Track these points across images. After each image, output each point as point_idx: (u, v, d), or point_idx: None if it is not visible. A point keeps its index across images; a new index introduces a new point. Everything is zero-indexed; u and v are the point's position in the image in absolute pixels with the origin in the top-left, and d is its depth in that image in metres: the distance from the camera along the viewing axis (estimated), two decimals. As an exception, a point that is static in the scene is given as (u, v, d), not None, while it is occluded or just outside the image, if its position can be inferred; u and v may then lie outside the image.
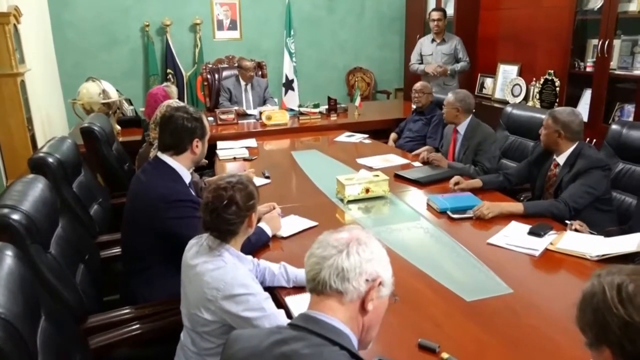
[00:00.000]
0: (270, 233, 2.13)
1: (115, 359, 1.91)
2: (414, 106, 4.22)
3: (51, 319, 1.45)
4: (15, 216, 1.68)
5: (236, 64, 5.25)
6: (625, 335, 0.86)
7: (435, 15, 5.00)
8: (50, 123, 4.37)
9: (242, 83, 4.98)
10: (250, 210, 1.58)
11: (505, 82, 5.33)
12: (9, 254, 1.40)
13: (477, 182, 2.73)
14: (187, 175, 2.05)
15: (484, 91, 5.70)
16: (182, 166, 2.02)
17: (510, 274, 1.85)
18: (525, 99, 5.02)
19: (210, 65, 5.51)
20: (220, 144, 3.76)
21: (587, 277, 1.79)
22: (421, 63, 5.11)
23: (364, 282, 1.04)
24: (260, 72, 5.55)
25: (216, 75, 5.42)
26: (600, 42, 3.98)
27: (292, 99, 6.12)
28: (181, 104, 2.62)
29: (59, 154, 2.46)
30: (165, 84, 3.59)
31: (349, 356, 0.97)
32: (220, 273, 1.47)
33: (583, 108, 4.34)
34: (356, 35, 6.75)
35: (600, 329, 0.89)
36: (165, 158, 2.02)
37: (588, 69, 4.26)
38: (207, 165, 3.05)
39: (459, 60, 5.04)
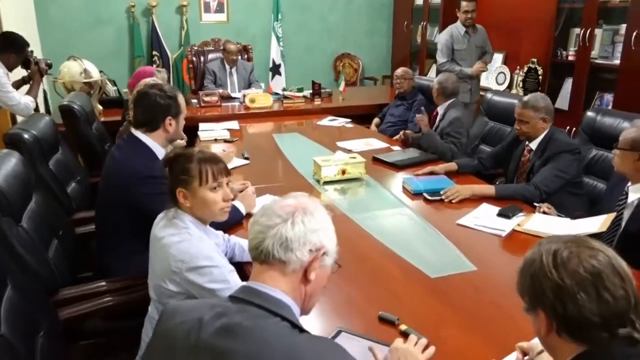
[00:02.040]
0: (244, 211, 2.16)
1: (86, 331, 1.95)
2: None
3: (18, 289, 1.46)
4: (-14, 189, 1.69)
5: (221, 47, 5.23)
6: (557, 298, 0.90)
7: (468, 6, 4.41)
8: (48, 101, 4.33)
9: (227, 66, 4.97)
10: (178, 184, 1.56)
11: (490, 70, 5.36)
12: (-24, 224, 1.41)
13: (452, 166, 2.77)
14: (160, 152, 2.06)
15: (470, 79, 5.72)
16: (155, 143, 2.03)
17: (475, 252, 1.90)
18: (510, 87, 5.06)
19: (196, 48, 5.50)
20: (202, 126, 3.77)
21: None
22: (453, 60, 4.52)
23: (308, 252, 1.04)
24: (246, 56, 5.54)
25: (202, 58, 5.41)
26: (582, 32, 4.01)
27: (278, 84, 6.12)
28: (158, 82, 2.62)
29: (35, 131, 2.46)
30: (157, 69, 3.57)
31: (290, 327, 0.97)
32: (185, 246, 1.48)
33: (564, 97, 4.40)
34: (345, 21, 6.73)
35: (536, 293, 0.94)
36: (139, 135, 2.03)
37: (570, 58, 4.30)
38: (187, 145, 3.06)
39: (486, 52, 4.62)
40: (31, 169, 2.10)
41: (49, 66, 3.60)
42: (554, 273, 0.91)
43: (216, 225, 1.85)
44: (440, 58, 4.55)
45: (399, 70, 4.23)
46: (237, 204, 2.15)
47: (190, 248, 1.48)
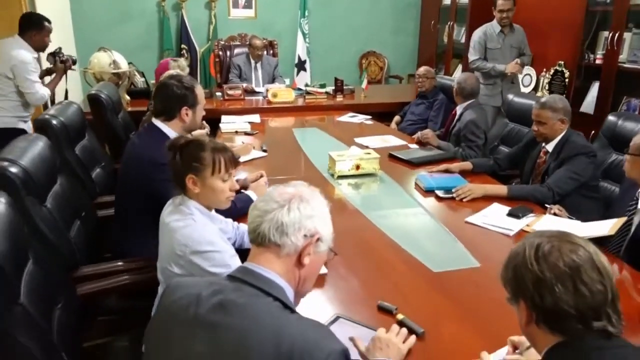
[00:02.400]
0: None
1: (104, 308, 2.05)
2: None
3: (39, 263, 1.55)
4: (13, 169, 1.79)
5: (248, 42, 5.32)
6: (536, 289, 0.93)
7: (504, 5, 4.21)
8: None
9: (252, 61, 5.05)
10: (189, 171, 1.58)
11: (517, 72, 5.31)
12: (2, 201, 1.49)
13: (467, 165, 2.78)
14: (179, 141, 2.13)
15: (496, 80, 5.68)
16: (173, 131, 2.11)
17: (481, 250, 1.92)
18: (535, 89, 5.00)
19: (223, 42, 5.60)
20: (224, 118, 3.85)
21: None
22: (485, 59, 4.34)
23: (302, 237, 1.08)
24: (271, 51, 5.61)
25: (228, 53, 5.51)
26: (611, 35, 3.95)
27: (303, 80, 6.18)
28: (181, 73, 2.71)
29: (63, 117, 2.57)
30: (173, 58, 3.68)
31: (281, 307, 1.02)
32: (189, 231, 1.55)
33: (590, 101, 4.33)
34: (370, 19, 6.73)
35: (517, 284, 0.97)
36: (158, 123, 2.11)
37: (598, 62, 4.23)
38: (209, 136, 3.16)
39: (523, 53, 4.41)
40: (57, 153, 2.21)
41: (74, 62, 3.72)
42: (534, 265, 0.94)
43: (228, 214, 1.92)
44: (472, 55, 4.38)
45: (421, 69, 4.25)
46: (250, 193, 2.22)
47: (193, 233, 1.54)
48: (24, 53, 3.31)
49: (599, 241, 1.99)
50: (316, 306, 1.54)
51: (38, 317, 1.39)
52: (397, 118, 4.36)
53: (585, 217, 2.25)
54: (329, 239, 1.15)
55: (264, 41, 5.28)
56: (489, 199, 2.39)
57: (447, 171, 2.70)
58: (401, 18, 6.86)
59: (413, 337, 1.34)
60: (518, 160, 2.82)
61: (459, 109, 3.42)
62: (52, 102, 3.74)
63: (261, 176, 2.37)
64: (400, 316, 1.47)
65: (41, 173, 1.94)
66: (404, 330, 1.36)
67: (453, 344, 1.40)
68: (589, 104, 4.33)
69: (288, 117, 4.24)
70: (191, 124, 2.17)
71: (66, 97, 3.81)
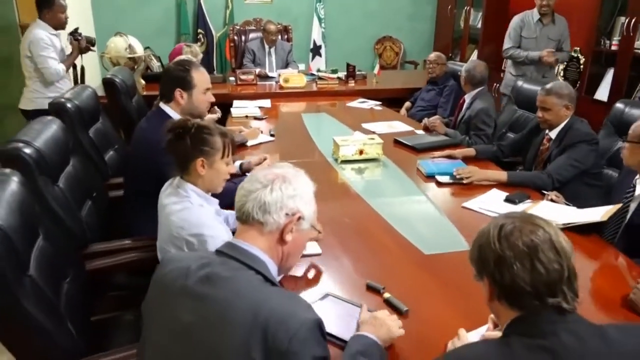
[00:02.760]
0: (259, 184, 2.29)
1: (113, 284, 2.16)
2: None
3: (49, 239, 1.65)
4: (28, 150, 1.89)
5: (262, 27, 5.37)
6: (497, 267, 0.99)
7: None
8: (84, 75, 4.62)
9: (266, 46, 5.11)
10: (199, 155, 1.64)
11: (532, 58, 5.25)
12: (15, 180, 1.59)
13: (470, 151, 2.81)
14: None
15: (512, 67, 5.62)
16: (175, 114, 2.18)
17: (473, 234, 1.95)
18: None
19: (238, 27, 5.65)
20: (236, 103, 3.93)
21: None
22: (519, 47, 4.18)
23: (284, 216, 1.16)
24: (286, 36, 5.65)
25: (242, 37, 5.57)
26: (627, 20, 3.89)
27: (318, 65, 6.21)
28: (192, 59, 2.78)
29: (77, 101, 2.67)
30: (187, 43, 3.76)
31: (263, 280, 1.10)
32: (185, 214, 1.62)
33: (604, 87, 4.28)
34: (387, 4, 6.71)
35: (482, 262, 1.03)
36: (163, 106, 2.20)
37: (613, 48, 4.18)
38: (219, 121, 3.24)
39: (561, 48, 4.19)
40: (70, 135, 2.31)
41: (92, 43, 3.83)
42: (496, 245, 1.00)
43: (230, 196, 1.99)
44: (506, 43, 4.24)
45: (432, 55, 4.26)
46: (254, 177, 2.29)
47: (190, 216, 1.62)
48: (37, 31, 3.47)
49: (596, 228, 2.03)
50: (307, 284, 1.61)
51: (47, 289, 1.48)
52: (407, 104, 4.38)
53: (586, 204, 2.25)
54: (311, 217, 1.22)
55: (279, 26, 5.32)
56: (488, 185, 2.43)
57: (450, 157, 2.73)
58: (418, 2, 6.81)
59: (402, 331, 1.35)
60: (521, 147, 2.84)
61: (467, 98, 3.43)
62: (76, 81, 3.87)
63: (265, 159, 2.44)
64: (386, 295, 1.53)
65: (54, 154, 2.04)
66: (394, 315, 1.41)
67: (435, 322, 1.46)
68: (603, 91, 4.28)
69: (299, 102, 4.30)
70: (188, 106, 2.20)
71: (82, 77, 3.93)
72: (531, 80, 3.82)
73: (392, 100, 4.45)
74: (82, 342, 1.54)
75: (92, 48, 3.88)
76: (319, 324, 1.02)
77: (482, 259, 1.03)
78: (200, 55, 3.62)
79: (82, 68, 3.98)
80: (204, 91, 2.24)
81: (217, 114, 3.40)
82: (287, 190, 1.17)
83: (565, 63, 4.52)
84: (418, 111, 4.14)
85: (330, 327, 1.32)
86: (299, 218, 1.18)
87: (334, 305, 1.48)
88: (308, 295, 1.54)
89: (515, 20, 4.22)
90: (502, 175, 2.47)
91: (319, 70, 4.90)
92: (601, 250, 1.92)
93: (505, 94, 4.27)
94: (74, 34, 3.77)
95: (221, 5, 6.21)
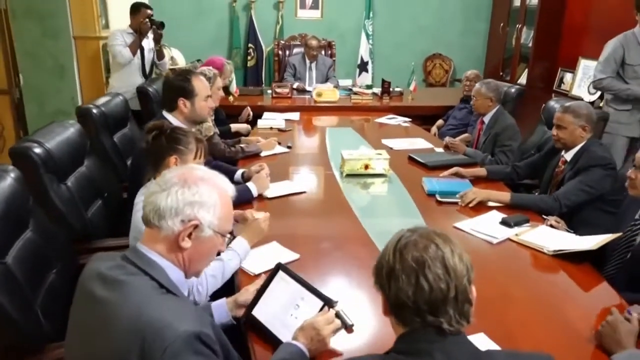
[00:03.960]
0: (255, 192, 2.35)
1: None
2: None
3: (39, 231, 1.79)
4: (37, 150, 2.06)
5: (304, 42, 5.49)
6: (387, 279, 0.98)
7: None
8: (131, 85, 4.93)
9: (307, 61, 5.21)
10: (173, 152, 1.72)
11: (583, 79, 5.00)
12: (12, 175, 1.75)
13: (481, 171, 2.73)
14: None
15: (562, 87, 5.38)
16: (179, 122, 2.29)
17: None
18: (601, 97, 4.68)
19: (283, 42, 5.81)
20: (265, 115, 4.04)
21: (535, 268, 1.82)
22: (619, 76, 3.43)
23: (179, 222, 1.12)
24: (329, 52, 5.73)
25: (287, 52, 5.70)
26: None
27: (364, 81, 6.23)
28: (211, 71, 2.91)
29: (104, 107, 2.87)
30: (227, 61, 3.90)
31: (156, 287, 1.08)
32: None
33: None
34: (437, 20, 6.63)
35: (377, 273, 1.02)
36: (166, 114, 2.31)
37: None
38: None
39: None
40: (87, 138, 2.48)
41: (157, 26, 4.07)
42: (390, 256, 0.99)
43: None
44: (599, 72, 3.48)
45: (470, 73, 4.18)
46: (250, 185, 2.35)
47: None
48: (113, 31, 3.88)
49: (597, 258, 1.92)
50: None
51: (22, 279, 1.60)
52: (439, 122, 4.31)
53: (598, 232, 2.13)
54: (214, 224, 1.16)
55: (322, 42, 5.41)
56: (491, 206, 2.34)
57: (457, 175, 2.66)
58: (471, 19, 6.68)
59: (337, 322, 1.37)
60: (538, 168, 2.71)
61: (487, 117, 3.33)
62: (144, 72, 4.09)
63: (263, 168, 2.49)
64: (337, 308, 1.52)
65: (65, 155, 2.20)
66: (337, 322, 1.39)
67: (385, 338, 1.43)
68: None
69: (332, 116, 4.34)
70: (192, 114, 2.32)
71: (152, 66, 4.18)
72: (561, 99, 3.60)
73: (427, 118, 4.40)
74: (52, 329, 1.65)
75: (159, 31, 4.10)
76: (197, 336, 0.99)
77: (377, 270, 1.02)
78: (230, 72, 3.79)
79: (153, 56, 4.20)
80: (205, 98, 2.35)
81: (246, 127, 3.60)
82: (185, 196, 1.12)
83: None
84: (449, 130, 4.05)
85: (260, 314, 1.41)
86: (196, 226, 1.14)
87: (284, 284, 1.46)
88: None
89: (612, 44, 3.44)
90: (506, 196, 2.38)
91: (353, 86, 4.92)
92: (589, 279, 1.80)
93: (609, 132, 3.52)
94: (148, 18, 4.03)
95: (272, 20, 6.39)
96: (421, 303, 0.94)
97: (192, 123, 2.37)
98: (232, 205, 1.24)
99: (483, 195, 2.37)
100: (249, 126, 3.79)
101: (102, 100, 3.01)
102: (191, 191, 1.13)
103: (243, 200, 2.30)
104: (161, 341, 0.96)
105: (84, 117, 2.73)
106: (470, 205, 2.35)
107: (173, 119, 2.30)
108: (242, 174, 2.59)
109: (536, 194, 2.85)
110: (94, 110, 2.79)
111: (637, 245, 1.90)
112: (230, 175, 2.53)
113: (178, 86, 2.29)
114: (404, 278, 0.95)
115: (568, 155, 2.49)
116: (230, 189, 1.24)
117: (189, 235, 1.14)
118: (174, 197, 1.12)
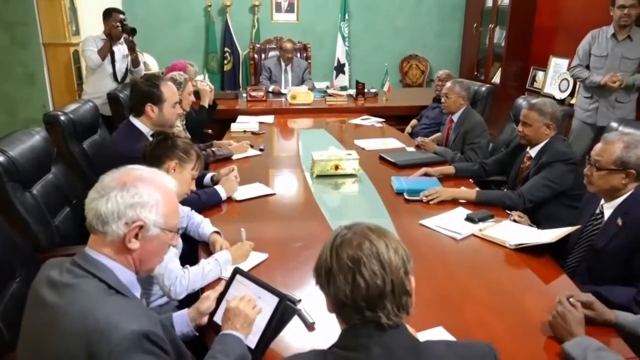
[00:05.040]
0: (224, 195, 2.35)
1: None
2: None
3: (0, 240, 1.78)
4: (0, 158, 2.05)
5: (279, 45, 5.50)
6: (326, 278, 0.99)
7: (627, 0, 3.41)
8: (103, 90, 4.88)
9: (283, 64, 5.22)
10: (175, 157, 1.82)
11: (554, 77, 5.10)
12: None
13: (449, 169, 2.76)
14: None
15: (535, 85, 5.47)
16: (146, 127, 2.29)
17: (422, 251, 1.93)
18: (572, 94, 4.77)
19: (259, 46, 5.81)
20: (239, 118, 4.04)
21: (497, 262, 1.84)
22: (588, 67, 3.70)
23: (124, 225, 1.11)
24: (305, 54, 5.75)
25: (262, 55, 5.71)
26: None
27: (341, 83, 6.26)
28: (182, 76, 2.91)
29: (72, 114, 2.84)
30: (190, 63, 3.87)
31: (105, 288, 1.08)
32: None
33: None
34: (413, 22, 6.69)
35: (317, 272, 1.02)
36: (133, 120, 2.31)
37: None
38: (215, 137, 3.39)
39: None
40: (54, 145, 2.46)
41: (127, 32, 3.98)
42: (328, 256, 0.99)
43: (192, 206, 2.07)
44: (572, 61, 3.87)
45: (442, 73, 4.23)
46: (219, 188, 2.35)
47: None
48: (87, 37, 3.90)
49: (561, 251, 1.96)
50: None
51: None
52: (413, 122, 4.35)
53: (563, 226, 2.17)
54: (159, 222, 1.16)
55: (296, 45, 5.43)
56: (457, 203, 2.38)
57: (426, 175, 2.69)
58: (446, 20, 6.76)
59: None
60: (505, 165, 2.76)
61: (456, 116, 3.38)
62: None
63: (233, 170, 2.49)
64: (299, 307, 1.54)
65: (29, 163, 2.17)
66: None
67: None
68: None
69: (306, 118, 4.36)
70: (159, 120, 2.32)
71: (136, 66, 4.17)
72: (528, 97, 3.67)
73: (401, 118, 4.44)
74: (14, 339, 1.63)
75: (128, 36, 4.02)
76: (146, 335, 1.00)
77: (317, 270, 1.02)
78: (194, 75, 3.75)
79: (128, 64, 4.16)
80: (173, 105, 2.34)
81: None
82: (125, 199, 1.12)
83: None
84: (422, 129, 4.09)
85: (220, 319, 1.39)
86: (141, 227, 1.14)
87: (240, 287, 1.47)
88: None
89: (586, 37, 3.76)
90: (471, 193, 2.41)
91: (327, 87, 4.94)
92: (549, 272, 1.83)
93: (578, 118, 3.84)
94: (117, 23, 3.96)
95: (248, 24, 6.40)
96: (359, 300, 0.95)
97: (159, 128, 2.36)
98: (176, 201, 1.24)
99: (449, 194, 2.40)
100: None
101: (71, 107, 2.98)
102: (130, 193, 1.13)
103: (211, 203, 2.30)
104: (107, 343, 0.96)
105: (51, 124, 2.71)
106: (432, 202, 2.38)
107: (140, 125, 2.30)
108: (212, 177, 2.58)
109: (504, 189, 2.90)
110: (62, 117, 2.76)
111: (596, 238, 1.94)
112: (200, 179, 2.53)
113: (146, 91, 2.29)
114: (341, 278, 0.96)
115: (533, 152, 2.53)
116: (172, 185, 1.24)
117: (136, 236, 1.14)
118: (114, 202, 1.11)
